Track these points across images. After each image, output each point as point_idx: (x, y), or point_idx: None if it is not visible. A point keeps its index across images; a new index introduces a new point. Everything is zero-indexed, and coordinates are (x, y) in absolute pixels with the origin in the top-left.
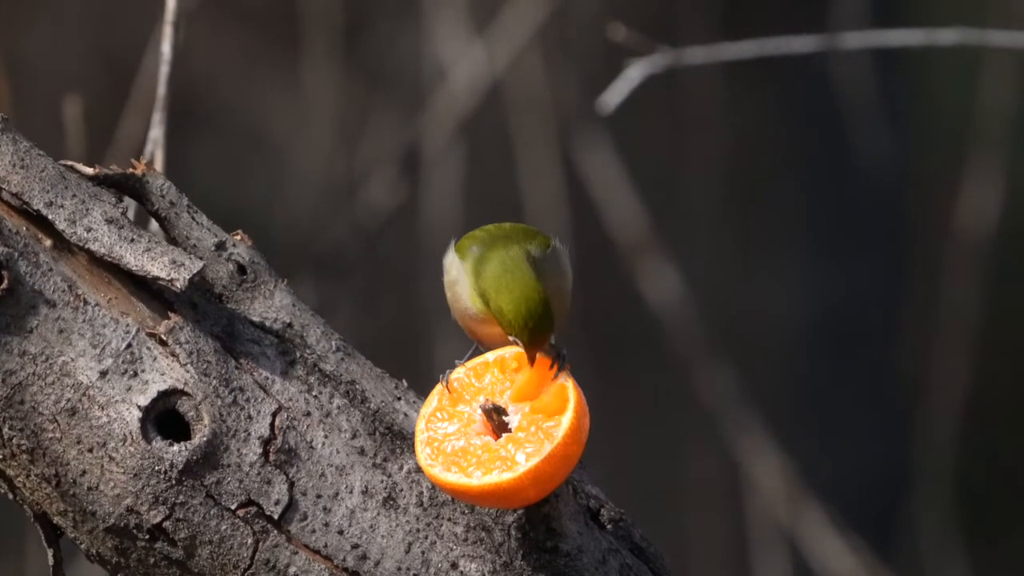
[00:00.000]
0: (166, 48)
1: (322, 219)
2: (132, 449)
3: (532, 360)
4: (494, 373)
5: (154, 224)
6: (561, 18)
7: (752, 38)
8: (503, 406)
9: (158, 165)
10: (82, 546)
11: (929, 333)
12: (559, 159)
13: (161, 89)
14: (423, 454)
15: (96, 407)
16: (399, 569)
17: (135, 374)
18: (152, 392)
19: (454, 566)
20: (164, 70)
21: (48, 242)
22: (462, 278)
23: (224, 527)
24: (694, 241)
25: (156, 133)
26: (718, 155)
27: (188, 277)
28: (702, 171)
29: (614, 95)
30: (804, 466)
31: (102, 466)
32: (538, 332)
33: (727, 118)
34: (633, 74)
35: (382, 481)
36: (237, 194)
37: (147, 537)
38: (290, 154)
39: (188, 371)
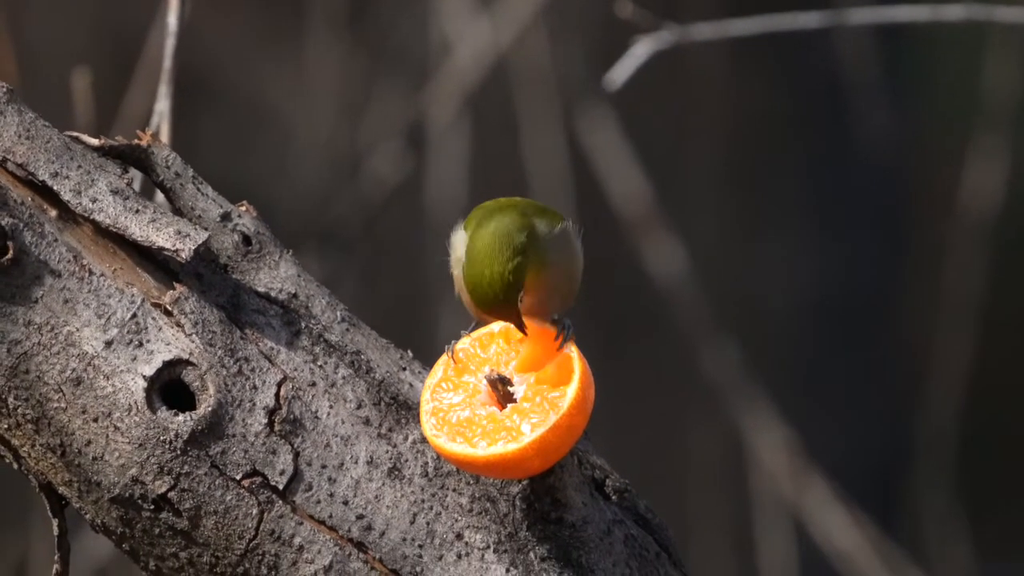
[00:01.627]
0: (172, 20)
1: (326, 194)
2: (137, 419)
3: (520, 327)
4: (499, 344)
5: (159, 195)
6: None
7: (758, 14)
8: (508, 376)
9: (164, 138)
10: (87, 516)
11: (932, 309)
12: (564, 135)
13: (167, 62)
14: (428, 424)
15: (101, 377)
16: (404, 540)
17: (140, 344)
18: (157, 362)
19: (459, 536)
20: (170, 43)
21: (53, 212)
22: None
23: (229, 497)
24: (698, 217)
25: (162, 106)
26: (722, 132)
27: (193, 248)
28: (706, 148)
29: (621, 72)
30: (807, 441)
31: (107, 436)
32: (490, 305)
33: (732, 95)
34: (640, 51)
35: (387, 451)
36: (242, 169)
37: (152, 507)
38: (295, 129)
39: (193, 341)
